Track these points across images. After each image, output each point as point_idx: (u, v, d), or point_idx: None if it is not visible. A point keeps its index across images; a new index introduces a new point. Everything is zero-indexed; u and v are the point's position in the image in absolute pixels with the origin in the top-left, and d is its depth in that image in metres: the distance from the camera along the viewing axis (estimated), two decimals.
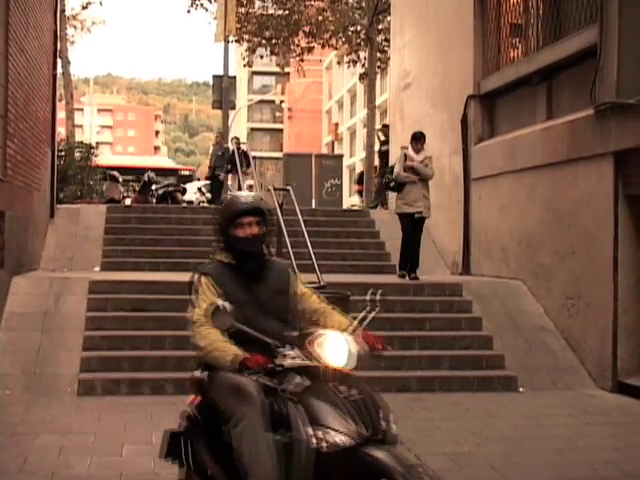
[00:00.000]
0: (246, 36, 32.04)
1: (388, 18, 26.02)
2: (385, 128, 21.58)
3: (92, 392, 9.59)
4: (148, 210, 17.19)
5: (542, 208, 12.18)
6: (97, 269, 13.89)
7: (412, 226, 13.10)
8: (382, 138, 21.11)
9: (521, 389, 10.49)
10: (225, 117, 23.09)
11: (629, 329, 10.39)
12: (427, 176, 13.15)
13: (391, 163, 16.27)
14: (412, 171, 13.06)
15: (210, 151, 23.40)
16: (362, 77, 34.42)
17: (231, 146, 21.85)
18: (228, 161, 21.15)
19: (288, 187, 14.32)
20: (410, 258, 13.21)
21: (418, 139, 13.19)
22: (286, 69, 42.10)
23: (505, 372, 10.80)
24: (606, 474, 6.93)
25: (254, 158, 27.77)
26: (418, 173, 13.02)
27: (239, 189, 19.73)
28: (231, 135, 25.33)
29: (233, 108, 25.15)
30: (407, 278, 12.99)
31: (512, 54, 14.06)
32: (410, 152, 13.17)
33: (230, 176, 21.93)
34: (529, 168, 12.54)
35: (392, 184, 13.27)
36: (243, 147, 22.60)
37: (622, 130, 10.12)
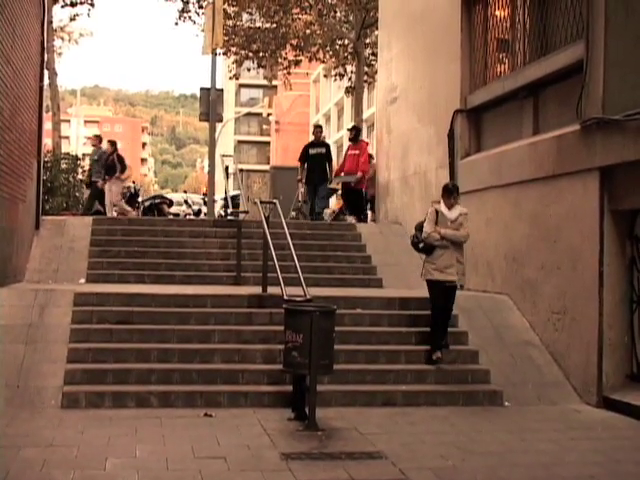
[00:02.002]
0: (234, 49, 32.14)
1: (375, 32, 26.15)
2: (317, 128, 21.67)
3: (76, 405, 9.53)
4: (134, 222, 17.14)
5: (528, 223, 12.20)
6: (82, 281, 13.84)
7: (443, 295, 11.17)
8: None
9: (506, 404, 10.49)
10: (212, 129, 23.01)
11: (614, 344, 10.41)
12: (461, 241, 11.29)
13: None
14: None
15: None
16: (348, 91, 34.52)
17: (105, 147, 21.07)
18: (103, 166, 20.54)
19: (275, 200, 14.31)
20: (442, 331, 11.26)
21: (450, 192, 11.30)
22: (273, 82, 42.19)
23: (490, 387, 10.79)
24: None
25: (241, 171, 27.78)
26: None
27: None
28: (218, 149, 25.30)
29: (220, 121, 25.06)
30: (439, 353, 11.06)
31: (499, 69, 14.09)
32: (442, 208, 11.20)
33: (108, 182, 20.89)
34: (515, 183, 12.56)
35: (421, 245, 11.35)
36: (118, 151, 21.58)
37: (608, 145, 10.16)
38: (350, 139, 20.12)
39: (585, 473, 7.40)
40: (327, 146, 20.25)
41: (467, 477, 7.22)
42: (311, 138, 22.25)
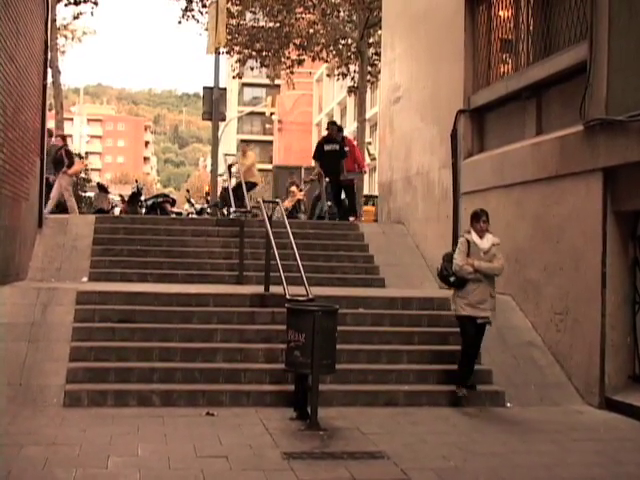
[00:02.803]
0: (237, 48, 32.12)
1: (379, 32, 26.14)
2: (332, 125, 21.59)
3: (78, 403, 9.54)
4: (137, 221, 17.15)
5: (531, 223, 12.20)
6: (85, 279, 13.84)
7: (476, 331, 10.31)
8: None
9: (508, 404, 10.48)
10: (215, 128, 23.07)
11: (616, 345, 10.40)
12: (495, 274, 10.42)
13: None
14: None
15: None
16: (351, 91, 34.51)
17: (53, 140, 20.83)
18: (52, 160, 20.32)
19: (277, 200, 14.31)
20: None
21: (479, 217, 10.37)
22: (276, 81, 42.18)
23: (493, 387, 10.79)
24: None
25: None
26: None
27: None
28: (221, 148, 25.31)
29: (223, 120, 25.13)
30: (465, 390, 10.29)
31: (502, 69, 14.09)
32: (474, 238, 10.27)
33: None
34: (518, 183, 12.56)
35: (452, 279, 10.33)
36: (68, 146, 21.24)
37: (611, 146, 10.15)
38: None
39: (587, 474, 7.41)
40: (342, 138, 19.88)
41: (469, 478, 7.22)
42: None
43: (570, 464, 7.79)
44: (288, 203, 23.76)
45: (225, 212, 20.18)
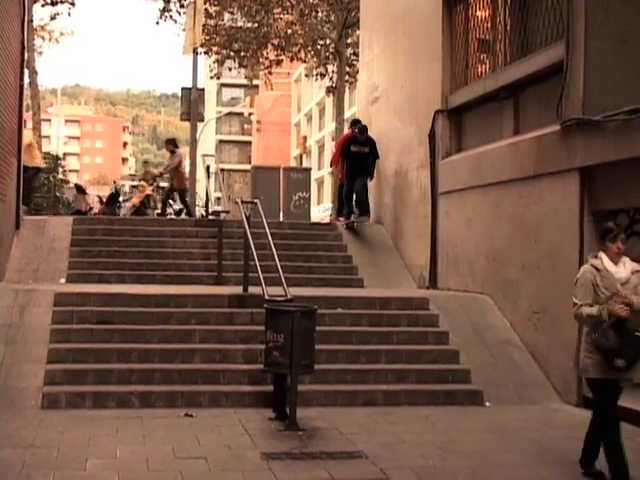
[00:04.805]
0: (215, 48, 32.07)
1: (357, 32, 26.14)
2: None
3: (56, 405, 9.50)
4: (115, 222, 17.08)
5: (508, 223, 12.24)
6: (63, 281, 13.78)
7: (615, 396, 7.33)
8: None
9: (487, 403, 10.52)
10: (193, 129, 23.02)
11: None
12: None
13: None
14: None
15: None
16: (329, 91, 34.52)
17: None
18: None
19: (256, 200, 14.29)
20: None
21: (615, 234, 7.47)
22: (255, 82, 42.15)
23: (471, 386, 10.82)
24: None
25: (222, 171, 27.73)
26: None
27: None
28: (199, 149, 25.24)
29: (202, 120, 25.07)
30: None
31: (480, 69, 14.14)
32: (606, 264, 7.35)
33: None
34: (496, 183, 12.60)
35: (611, 344, 7.11)
36: None
37: (588, 146, 10.20)
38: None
39: (566, 472, 7.45)
40: (372, 142, 17.46)
41: (448, 477, 7.24)
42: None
43: (549, 462, 7.83)
44: (136, 199, 23.27)
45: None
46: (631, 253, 10.03)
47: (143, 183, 24.32)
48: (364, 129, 17.05)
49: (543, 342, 11.27)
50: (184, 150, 24.85)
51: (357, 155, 17.05)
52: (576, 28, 10.46)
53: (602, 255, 7.41)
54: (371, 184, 17.34)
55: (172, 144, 21.37)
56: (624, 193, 9.97)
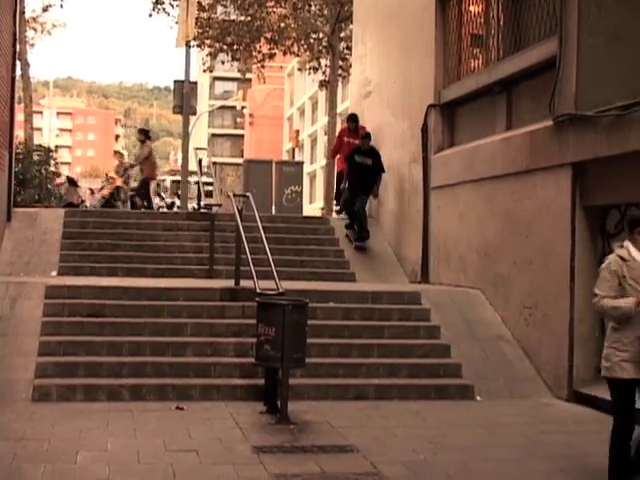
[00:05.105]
0: (208, 41, 32.00)
1: (350, 26, 26.13)
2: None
3: (47, 398, 9.48)
4: (106, 215, 17.05)
5: (501, 218, 12.25)
6: (54, 274, 13.75)
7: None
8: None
9: (478, 398, 10.53)
10: (186, 122, 22.95)
11: (585, 338, 10.47)
12: None
13: None
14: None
15: None
16: (322, 85, 34.50)
17: None
18: None
19: (248, 194, 14.28)
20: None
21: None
22: (247, 75, 42.09)
23: (462, 381, 10.83)
24: None
25: (214, 164, 27.70)
26: None
27: None
28: (192, 142, 25.19)
29: (194, 113, 25.01)
30: None
31: (473, 64, 14.14)
32: (634, 254, 6.82)
33: None
34: (488, 178, 12.60)
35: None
36: None
37: (580, 141, 10.21)
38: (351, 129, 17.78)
39: (556, 467, 7.45)
40: (377, 155, 16.39)
41: (439, 471, 7.24)
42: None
43: (539, 457, 7.84)
44: (106, 191, 23.08)
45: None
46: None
47: (113, 174, 24.08)
48: (367, 136, 16.43)
49: (534, 337, 11.28)
50: (177, 143, 24.81)
51: (360, 166, 16.10)
52: (569, 24, 10.47)
53: (629, 244, 6.88)
54: None
55: (143, 134, 21.32)
56: (616, 189, 9.98)
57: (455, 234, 13.69)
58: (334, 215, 19.12)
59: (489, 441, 8.42)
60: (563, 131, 10.52)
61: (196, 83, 23.35)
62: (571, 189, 10.53)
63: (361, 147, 16.32)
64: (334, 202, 20.33)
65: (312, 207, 37.35)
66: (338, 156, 18.43)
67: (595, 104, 9.89)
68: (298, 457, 7.51)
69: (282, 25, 31.61)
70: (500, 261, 12.27)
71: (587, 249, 10.54)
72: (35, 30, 37.11)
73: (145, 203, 20.41)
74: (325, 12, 31.19)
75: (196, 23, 26.49)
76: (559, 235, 10.72)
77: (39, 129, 76.73)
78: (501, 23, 13.00)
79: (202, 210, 17.47)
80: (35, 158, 24.57)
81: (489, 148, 12.60)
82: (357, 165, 16.15)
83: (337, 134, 19.89)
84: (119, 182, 23.15)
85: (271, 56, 33.14)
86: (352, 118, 17.69)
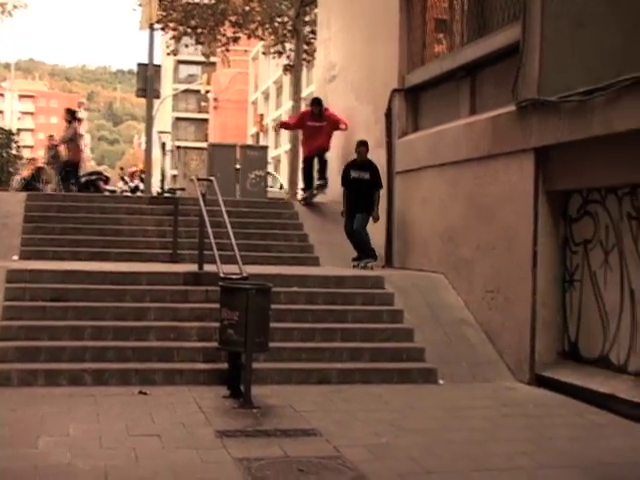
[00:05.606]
0: (172, 24, 31.76)
1: (315, 10, 26.03)
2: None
3: (8, 383, 9.40)
4: (69, 199, 16.91)
5: (464, 202, 12.30)
6: (15, 258, 13.63)
7: None
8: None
9: (441, 381, 10.58)
10: (149, 106, 22.84)
11: (547, 323, 10.55)
12: None
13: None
14: None
15: None
16: (287, 69, 34.40)
17: None
18: None
19: (212, 178, 14.22)
20: None
21: None
22: (212, 59, 41.86)
23: (425, 364, 10.88)
24: (522, 464, 7.04)
25: (178, 148, 27.57)
26: None
27: None
28: (156, 126, 25.07)
29: (158, 97, 24.89)
30: None
31: (437, 49, 14.16)
32: None
33: None
34: (452, 162, 12.64)
35: None
36: None
37: (543, 127, 10.26)
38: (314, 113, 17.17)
39: (517, 449, 7.50)
40: (374, 169, 14.53)
41: (401, 454, 7.27)
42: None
43: (501, 440, 7.89)
44: (26, 172, 22.79)
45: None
46: (584, 233, 10.18)
47: (40, 155, 23.65)
48: (363, 144, 14.60)
49: (497, 321, 11.35)
50: (140, 127, 24.64)
51: (357, 182, 14.38)
52: (532, 9, 10.50)
53: None
54: (330, 161, 17.22)
55: (69, 114, 21.12)
56: (578, 174, 10.04)
57: (419, 219, 13.73)
58: (299, 196, 19.06)
59: (451, 424, 8.47)
60: (526, 116, 10.56)
61: (160, 66, 23.27)
62: (534, 174, 10.58)
63: (357, 160, 14.62)
64: (300, 187, 20.30)
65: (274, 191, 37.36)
66: (301, 138, 18.38)
67: (558, 89, 9.93)
68: (261, 441, 7.51)
69: (247, 9, 31.44)
70: (463, 246, 12.32)
71: (550, 234, 10.61)
72: None
73: (61, 186, 20.20)
74: None
75: (160, 6, 26.33)
76: (522, 220, 10.77)
77: (0, 112, 75.98)
78: (465, 8, 13.03)
79: (166, 194, 17.40)
80: None
81: (453, 133, 12.63)
82: (353, 182, 14.43)
83: (299, 113, 19.82)
84: (40, 163, 22.79)
85: (235, 40, 32.94)
86: (316, 102, 17.31)
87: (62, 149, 20.65)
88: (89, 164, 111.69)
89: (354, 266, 14.14)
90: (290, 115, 34.90)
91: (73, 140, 20.50)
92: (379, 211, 14.36)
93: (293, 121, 19.19)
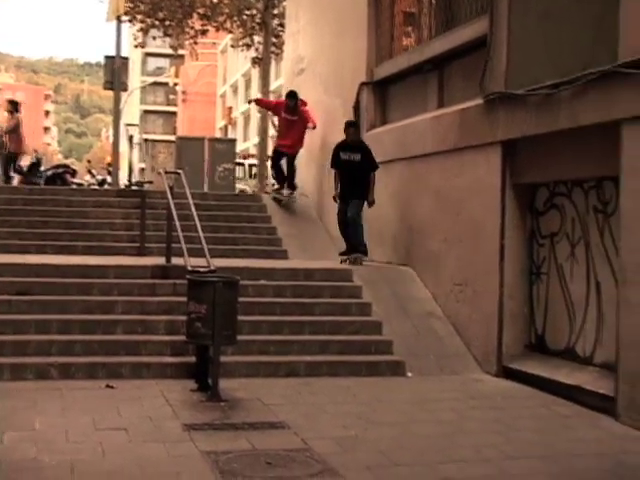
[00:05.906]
0: (139, 16, 31.59)
1: (283, 3, 26.01)
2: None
3: None
4: (35, 192, 16.79)
5: (432, 195, 12.33)
6: None
7: None
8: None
9: (409, 374, 10.60)
10: (117, 99, 22.72)
11: (514, 315, 10.60)
12: None
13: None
14: None
15: None
16: (255, 62, 34.33)
17: None
18: None
19: (179, 171, 14.18)
20: None
21: None
22: (180, 51, 41.68)
23: (393, 357, 10.90)
24: (490, 456, 7.07)
25: (146, 141, 27.46)
26: None
27: None
28: (124, 119, 24.95)
29: (125, 90, 24.77)
30: None
31: (405, 42, 14.18)
32: None
33: None
34: (419, 156, 12.67)
35: None
36: None
37: (510, 120, 10.30)
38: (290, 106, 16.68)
39: (485, 441, 7.54)
40: (366, 150, 13.60)
41: (369, 447, 7.28)
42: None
43: (469, 432, 7.92)
44: None
45: None
46: (550, 226, 10.23)
47: None
48: (353, 125, 13.88)
49: (464, 314, 11.40)
50: (108, 119, 24.50)
51: (347, 164, 13.52)
52: (500, 3, 10.54)
53: None
54: (299, 156, 17.16)
55: (12, 105, 21.05)
56: (544, 167, 10.09)
57: (387, 211, 13.74)
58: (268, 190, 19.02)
59: (419, 417, 8.49)
60: (493, 110, 10.60)
61: (127, 59, 23.16)
62: (501, 167, 10.62)
63: (347, 141, 13.68)
64: (270, 179, 20.29)
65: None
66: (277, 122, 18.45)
67: (525, 83, 9.97)
68: (229, 434, 7.50)
69: (215, 1, 31.33)
70: (431, 238, 12.35)
71: (517, 227, 10.66)
72: None
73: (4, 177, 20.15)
74: None
75: None
76: (489, 213, 10.82)
77: None
78: (433, 1, 13.06)
79: (133, 187, 17.32)
80: None
81: (420, 126, 12.65)
82: (344, 164, 13.57)
83: (278, 100, 19.70)
84: None
85: (204, 32, 32.83)
86: (291, 95, 16.72)
87: (6, 140, 20.57)
88: (56, 157, 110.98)
89: (342, 261, 13.54)
90: (258, 109, 34.82)
91: (15, 131, 20.41)
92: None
93: (268, 101, 19.12)
